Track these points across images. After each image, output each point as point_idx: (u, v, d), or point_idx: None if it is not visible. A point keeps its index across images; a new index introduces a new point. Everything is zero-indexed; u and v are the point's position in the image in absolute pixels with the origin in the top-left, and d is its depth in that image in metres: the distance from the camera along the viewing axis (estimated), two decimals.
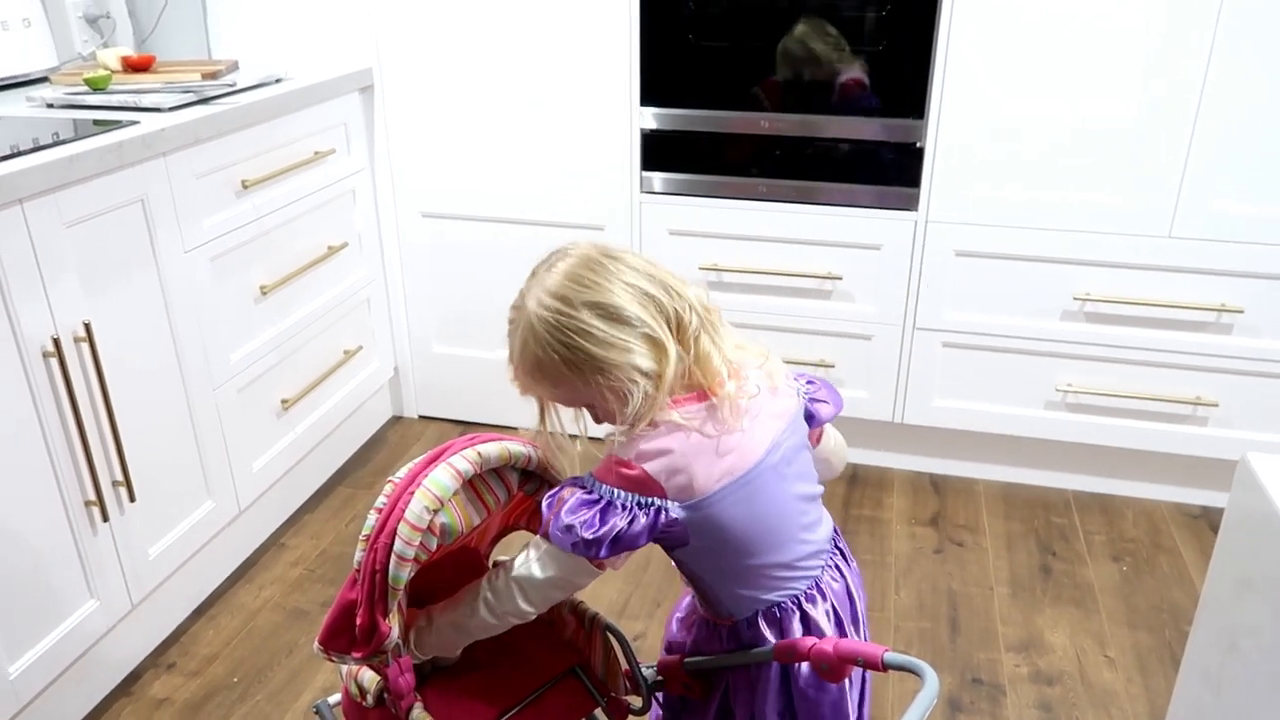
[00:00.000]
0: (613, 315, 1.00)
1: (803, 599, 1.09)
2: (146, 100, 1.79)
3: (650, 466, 1.01)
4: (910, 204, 2.09)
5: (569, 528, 1.00)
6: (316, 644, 1.05)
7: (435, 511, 1.01)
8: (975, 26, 1.94)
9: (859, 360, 2.24)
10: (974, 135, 2.01)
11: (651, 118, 2.17)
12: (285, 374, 2.06)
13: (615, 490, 1.01)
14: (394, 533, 0.99)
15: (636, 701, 1.22)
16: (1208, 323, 2.04)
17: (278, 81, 2.05)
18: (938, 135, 2.03)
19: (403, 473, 1.05)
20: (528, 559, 1.07)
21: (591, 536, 0.99)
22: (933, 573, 2.01)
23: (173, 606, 1.85)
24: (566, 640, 1.25)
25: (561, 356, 1.01)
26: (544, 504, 1.05)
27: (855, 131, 2.08)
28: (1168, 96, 1.90)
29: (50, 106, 1.83)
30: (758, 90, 2.10)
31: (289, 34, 2.26)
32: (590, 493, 1.02)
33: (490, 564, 1.30)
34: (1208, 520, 2.18)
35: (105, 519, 1.58)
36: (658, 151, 2.20)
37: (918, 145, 2.05)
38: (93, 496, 1.55)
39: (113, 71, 1.96)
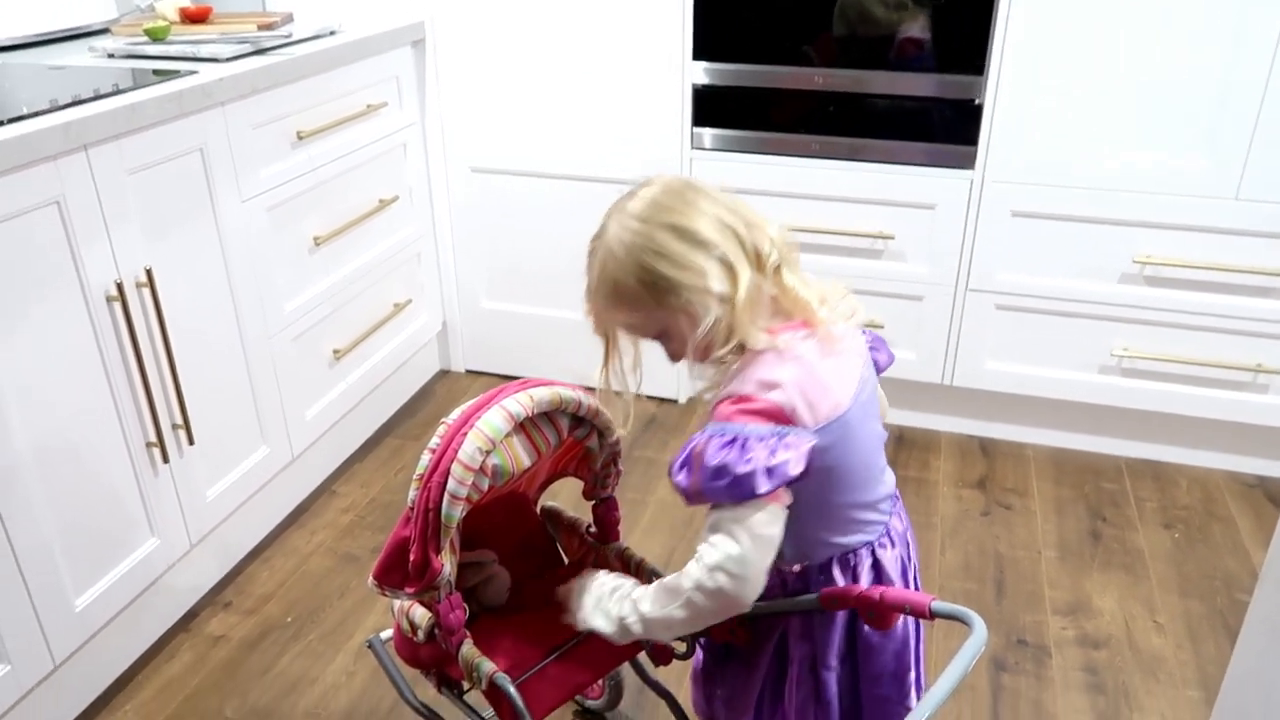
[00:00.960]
0: (689, 237, 1.00)
1: (875, 544, 1.09)
2: (204, 51, 1.81)
3: (773, 396, 0.98)
4: (966, 162, 2.05)
5: (720, 469, 0.95)
6: (371, 578, 1.08)
7: (488, 453, 1.03)
8: None
9: (909, 321, 2.21)
10: (1035, 93, 1.96)
11: (703, 73, 2.15)
12: (337, 325, 2.10)
13: (745, 425, 0.97)
14: (447, 472, 1.01)
15: (680, 646, 1.24)
16: (1273, 288, 1.98)
17: (331, 34, 2.06)
18: (997, 92, 1.98)
19: (456, 414, 1.06)
20: (710, 547, 0.99)
21: (747, 469, 0.94)
22: (979, 535, 2.00)
23: (229, 547, 1.90)
24: None
25: (638, 278, 1.01)
26: (678, 476, 0.99)
27: (911, 88, 2.04)
28: (1239, 54, 1.83)
29: (111, 57, 1.86)
30: (811, 46, 2.07)
31: None
32: (722, 435, 0.97)
33: (538, 509, 1.31)
34: (1264, 490, 2.13)
35: (165, 460, 1.62)
36: (709, 107, 2.18)
37: (976, 102, 2.01)
38: (154, 438, 1.60)
39: (171, 23, 1.99)
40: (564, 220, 2.38)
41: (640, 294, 1.02)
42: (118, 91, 1.54)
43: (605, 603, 1.10)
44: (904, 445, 2.30)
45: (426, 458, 1.04)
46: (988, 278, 2.13)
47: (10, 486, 1.36)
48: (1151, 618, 1.78)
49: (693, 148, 2.22)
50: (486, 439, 1.03)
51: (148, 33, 1.91)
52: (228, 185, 1.72)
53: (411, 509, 1.04)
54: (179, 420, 1.64)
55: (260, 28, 2.00)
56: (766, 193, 2.19)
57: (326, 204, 2.01)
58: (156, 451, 1.61)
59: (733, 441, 0.96)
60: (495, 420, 1.04)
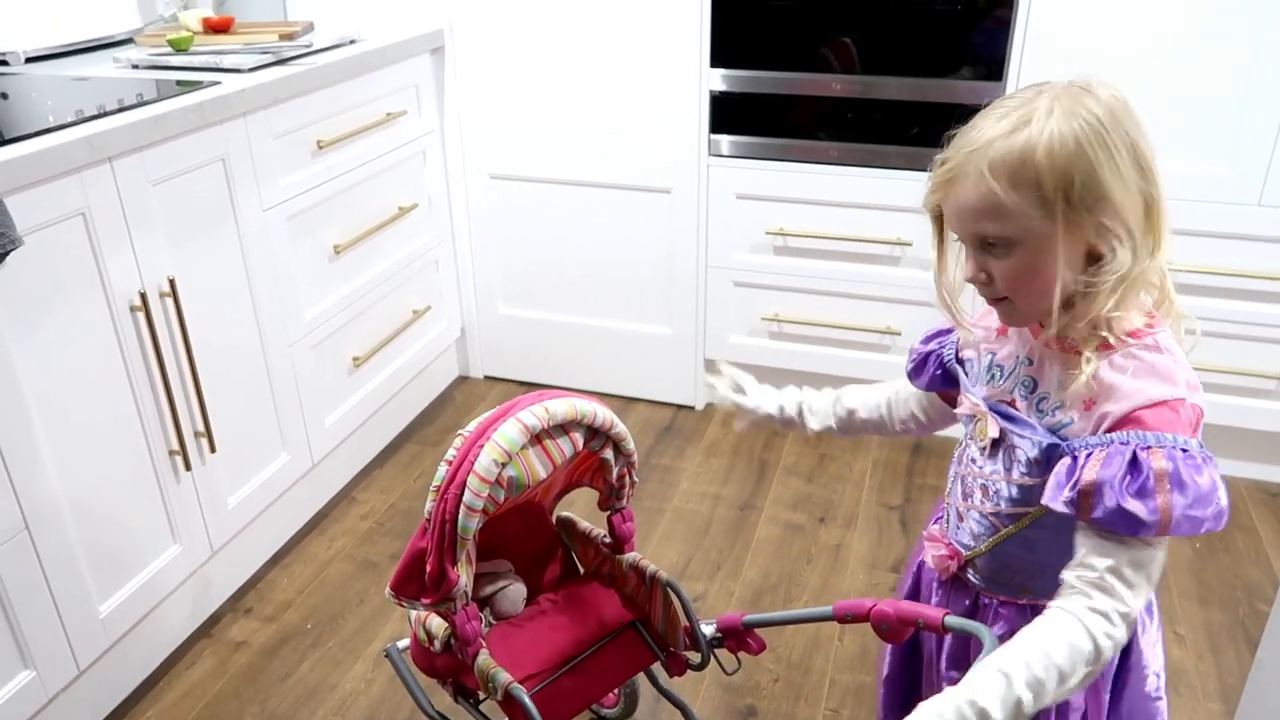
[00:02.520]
0: (1142, 161, 0.84)
1: None
2: (227, 61, 1.83)
3: (1199, 401, 0.84)
4: None
5: (1207, 496, 0.80)
6: (388, 589, 1.09)
7: (503, 465, 1.03)
8: None
9: (928, 328, 2.20)
10: None
11: (720, 80, 2.15)
12: (357, 332, 2.11)
13: (1191, 440, 0.82)
14: (463, 484, 1.02)
15: (695, 657, 1.24)
16: None
17: (352, 43, 2.07)
18: None
19: (472, 426, 1.07)
20: (1132, 595, 0.83)
21: (1225, 500, 0.82)
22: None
23: (250, 554, 1.92)
24: (628, 595, 1.27)
25: (1064, 173, 0.81)
26: (1137, 502, 0.80)
27: (930, 94, 2.04)
28: (1260, 59, 1.82)
29: (135, 67, 1.88)
30: (829, 51, 2.07)
31: None
32: (1185, 451, 0.81)
33: (553, 519, 1.32)
34: None
35: (188, 468, 1.64)
36: (726, 114, 2.18)
37: None
38: (176, 446, 1.62)
39: (194, 33, 2.01)
40: (581, 227, 2.39)
41: (1048, 195, 0.82)
42: (142, 103, 1.57)
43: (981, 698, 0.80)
44: (921, 452, 2.30)
45: (443, 469, 1.05)
46: None
47: (36, 494, 1.38)
48: (1172, 629, 1.76)
49: (710, 154, 2.22)
50: (503, 451, 1.04)
51: (171, 43, 1.93)
52: (249, 194, 1.73)
53: (428, 520, 1.05)
54: (201, 428, 1.66)
55: (282, 37, 2.02)
56: (784, 199, 2.19)
57: (346, 212, 2.03)
58: (179, 459, 1.63)
59: (1202, 461, 0.81)
60: (511, 433, 1.04)
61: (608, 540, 1.29)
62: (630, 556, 1.27)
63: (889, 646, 1.13)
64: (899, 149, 2.09)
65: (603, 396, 1.16)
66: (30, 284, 1.35)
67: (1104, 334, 0.86)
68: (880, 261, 2.18)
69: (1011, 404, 0.95)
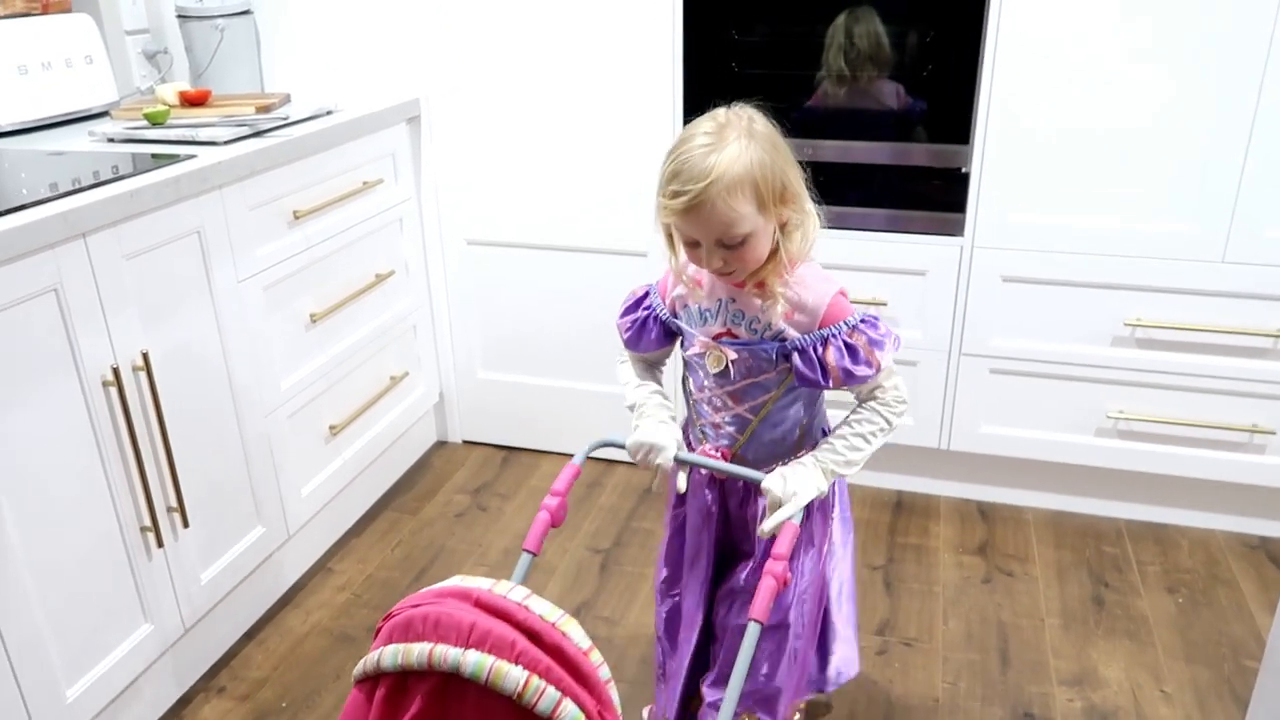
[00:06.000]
0: (790, 153, 1.24)
1: None
2: (203, 134, 1.84)
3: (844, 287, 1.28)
4: (956, 229, 2.08)
5: (891, 337, 1.25)
6: None
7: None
8: (1021, 52, 1.92)
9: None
10: (1020, 160, 2.00)
11: None
12: (333, 400, 2.10)
13: (853, 307, 1.26)
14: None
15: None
16: (1263, 349, 1.99)
17: (328, 114, 2.09)
18: (983, 161, 2.02)
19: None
20: (895, 389, 1.29)
21: (893, 333, 1.27)
22: (981, 603, 1.98)
23: (223, 630, 1.87)
24: None
25: (772, 185, 1.18)
26: (867, 367, 1.22)
27: (900, 157, 2.08)
28: (1220, 121, 1.87)
29: (111, 141, 1.89)
30: (800, 117, 2.10)
31: (339, 67, 2.32)
32: (863, 319, 1.24)
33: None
34: (1266, 551, 2.12)
35: (160, 545, 1.61)
36: None
37: (963, 170, 2.04)
38: (148, 523, 1.59)
39: (171, 106, 2.02)
40: (558, 291, 2.39)
41: (765, 199, 1.17)
42: (117, 177, 1.56)
43: (805, 475, 1.25)
44: (903, 511, 2.29)
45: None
46: (981, 342, 2.14)
47: (2, 574, 1.35)
48: (1158, 687, 1.75)
49: None
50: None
51: (147, 117, 1.94)
52: (224, 266, 1.73)
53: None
54: (174, 504, 1.63)
55: (258, 110, 2.03)
56: None
57: (323, 280, 2.03)
58: (151, 536, 1.60)
59: (873, 320, 1.25)
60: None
61: None
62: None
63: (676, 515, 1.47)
64: (870, 211, 2.12)
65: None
66: (1, 360, 1.33)
67: (781, 269, 1.24)
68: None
69: (730, 334, 1.29)
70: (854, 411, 1.30)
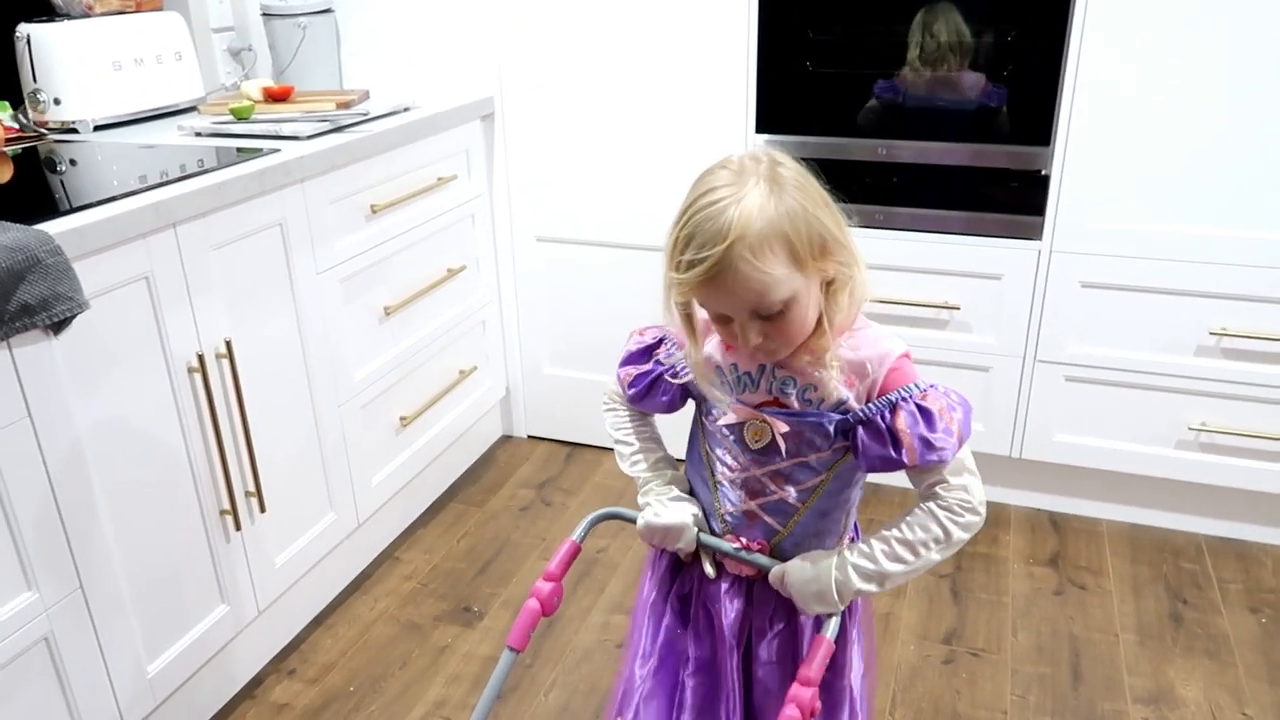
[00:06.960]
0: (828, 198, 1.02)
1: None
2: (286, 129, 1.88)
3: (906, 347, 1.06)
4: (1034, 233, 2.04)
5: (963, 404, 1.03)
6: None
7: None
8: (1108, 53, 1.88)
9: (976, 392, 2.18)
10: (1103, 163, 1.95)
11: (766, 145, 2.17)
12: (404, 392, 2.13)
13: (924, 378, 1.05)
14: None
15: None
16: None
17: (406, 110, 2.13)
18: (1065, 163, 1.97)
19: None
20: (964, 490, 1.03)
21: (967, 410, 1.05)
22: (1053, 615, 1.93)
23: (294, 615, 1.92)
24: None
25: (809, 238, 0.96)
26: (943, 436, 1.00)
27: (977, 159, 2.04)
28: None
29: (198, 135, 1.94)
30: (875, 117, 2.08)
31: (416, 64, 2.35)
32: (931, 384, 1.03)
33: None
34: None
35: (238, 528, 1.65)
36: None
37: (1043, 173, 2.00)
38: (228, 506, 1.63)
39: (255, 102, 2.07)
40: (626, 289, 2.40)
41: (800, 255, 0.95)
42: (204, 170, 1.61)
43: (841, 576, 1.04)
44: None
45: None
46: (1057, 349, 2.10)
47: (89, 552, 1.40)
48: (1240, 709, 1.69)
49: None
50: None
51: (233, 112, 1.99)
52: (304, 258, 1.77)
53: None
54: (252, 488, 1.68)
55: (339, 106, 2.08)
56: None
57: (397, 274, 2.06)
58: (230, 519, 1.64)
59: (945, 388, 1.03)
60: None
61: None
62: None
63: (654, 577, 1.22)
64: (946, 213, 2.09)
65: None
66: (93, 346, 1.38)
67: (835, 332, 1.02)
68: (927, 325, 2.17)
69: (777, 403, 1.06)
70: (907, 513, 1.05)
